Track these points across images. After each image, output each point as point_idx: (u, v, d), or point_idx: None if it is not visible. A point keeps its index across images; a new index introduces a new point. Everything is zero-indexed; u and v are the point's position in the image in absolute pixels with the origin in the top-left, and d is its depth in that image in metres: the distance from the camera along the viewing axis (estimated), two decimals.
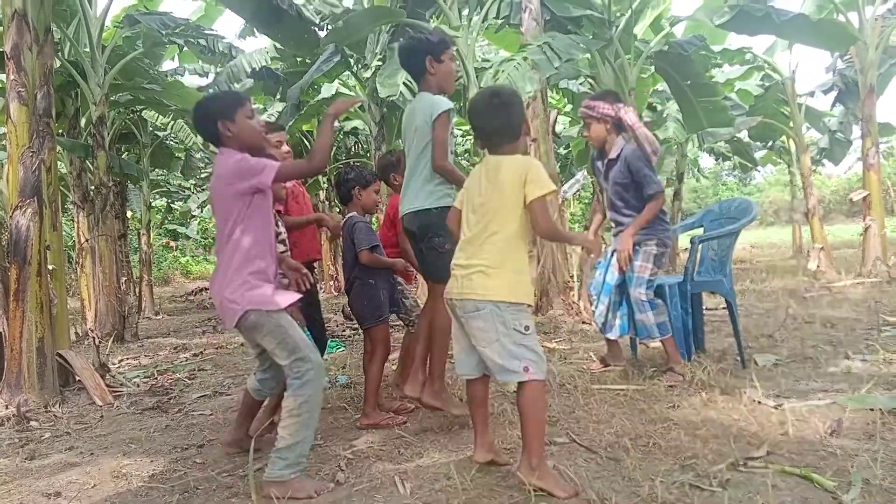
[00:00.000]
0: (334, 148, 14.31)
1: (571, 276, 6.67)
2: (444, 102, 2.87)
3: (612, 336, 3.98)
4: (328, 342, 4.60)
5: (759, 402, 3.04)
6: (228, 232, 2.41)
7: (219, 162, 2.47)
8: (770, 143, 13.85)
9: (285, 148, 3.27)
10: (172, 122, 11.34)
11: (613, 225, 4.00)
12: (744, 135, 12.34)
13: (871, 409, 2.78)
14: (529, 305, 2.30)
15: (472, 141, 14.56)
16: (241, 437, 2.88)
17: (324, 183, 14.19)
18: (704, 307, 4.54)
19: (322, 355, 3.72)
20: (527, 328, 2.21)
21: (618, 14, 7.32)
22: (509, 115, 2.32)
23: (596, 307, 4.03)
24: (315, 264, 3.77)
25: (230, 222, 2.41)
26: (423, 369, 2.97)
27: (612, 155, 3.81)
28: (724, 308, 5.86)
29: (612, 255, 3.95)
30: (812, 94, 11.04)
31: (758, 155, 15.26)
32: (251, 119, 2.49)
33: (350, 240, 3.34)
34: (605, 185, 3.94)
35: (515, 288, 2.23)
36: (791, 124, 10.81)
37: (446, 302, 2.37)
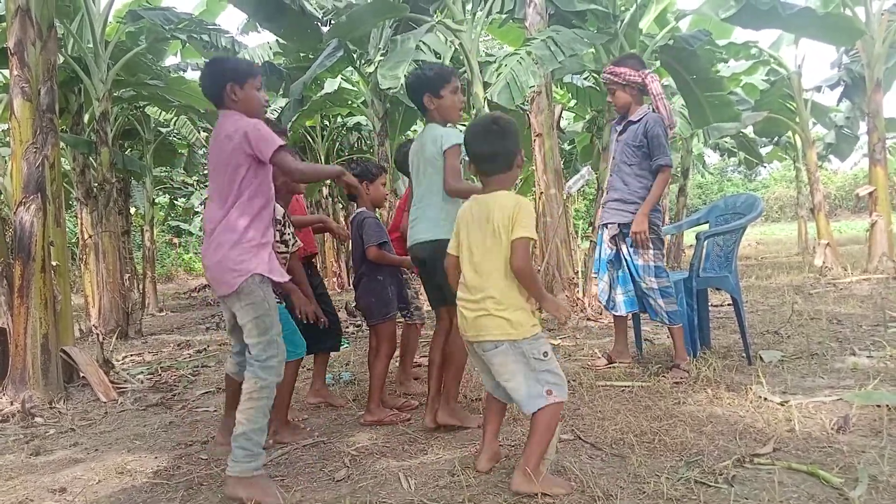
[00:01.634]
0: (336, 144, 14.31)
1: (576, 273, 6.65)
2: (455, 135, 2.86)
3: (617, 313, 3.96)
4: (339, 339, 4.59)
5: (765, 399, 3.02)
6: (236, 193, 2.37)
7: (225, 122, 2.44)
8: (776, 139, 13.78)
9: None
10: (175, 119, 11.35)
11: (607, 193, 4.00)
12: (749, 130, 12.28)
13: (878, 406, 2.77)
14: (542, 330, 2.30)
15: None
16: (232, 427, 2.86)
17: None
18: (710, 304, 4.52)
19: (338, 348, 3.74)
20: (545, 354, 2.22)
21: (623, 8, 7.28)
22: (505, 142, 2.33)
23: (618, 301, 4.01)
24: (315, 259, 3.78)
25: (237, 183, 2.37)
26: (438, 398, 2.96)
27: (634, 118, 3.80)
28: (729, 304, 5.84)
29: (602, 230, 3.98)
30: (818, 88, 10.96)
31: (763, 151, 15.18)
32: (258, 91, 2.51)
33: (359, 235, 3.34)
34: (615, 146, 3.94)
35: (526, 321, 2.22)
36: (797, 119, 10.75)
37: (462, 337, 2.38)
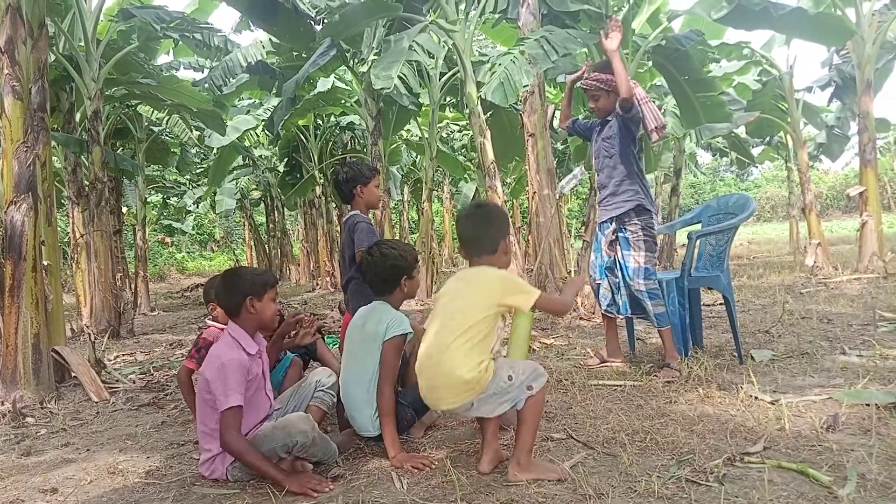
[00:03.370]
0: (329, 143, 14.28)
1: (569, 272, 6.67)
2: (405, 324, 2.76)
3: (620, 315, 3.96)
4: (325, 338, 4.59)
5: (756, 398, 3.04)
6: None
7: (220, 345, 2.58)
8: (767, 139, 13.85)
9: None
10: (168, 118, 11.30)
11: (599, 194, 4.03)
12: (741, 130, 12.34)
13: (867, 405, 2.79)
14: (494, 359, 2.33)
15: (471, 137, 14.49)
16: None
17: (320, 179, 14.15)
18: (702, 303, 4.54)
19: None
20: (510, 377, 2.28)
21: (615, 8, 7.30)
22: (489, 226, 2.40)
23: (598, 291, 4.04)
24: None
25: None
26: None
27: (610, 118, 3.86)
28: (721, 304, 5.88)
29: (600, 230, 3.99)
30: (810, 89, 11.03)
31: (755, 151, 15.26)
32: (274, 301, 2.64)
33: (350, 238, 3.33)
34: (596, 149, 3.98)
35: (483, 374, 2.24)
36: (788, 120, 10.81)
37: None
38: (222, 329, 3.13)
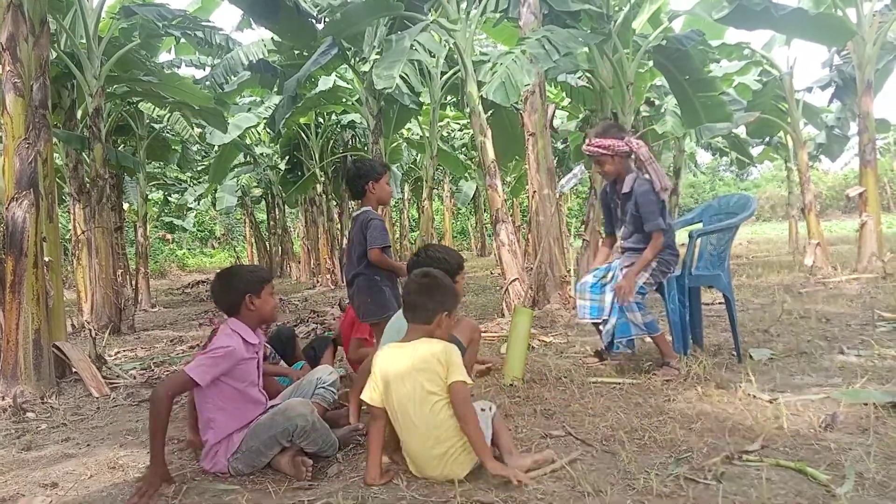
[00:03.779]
0: (331, 142, 14.29)
1: (568, 271, 6.68)
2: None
3: (608, 349, 3.87)
4: (324, 335, 4.61)
5: (754, 396, 3.05)
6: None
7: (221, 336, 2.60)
8: (767, 139, 13.85)
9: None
10: (169, 115, 11.31)
11: (621, 244, 3.99)
12: (741, 130, 12.35)
13: (865, 404, 2.79)
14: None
15: (471, 136, 14.49)
16: None
17: (320, 177, 14.16)
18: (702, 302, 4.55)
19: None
20: (482, 409, 2.33)
21: (616, 8, 7.31)
22: (429, 299, 2.37)
23: (581, 310, 3.95)
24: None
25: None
26: None
27: (626, 189, 3.80)
28: (720, 303, 5.88)
29: (619, 262, 3.93)
30: (810, 89, 11.02)
31: (755, 151, 15.27)
32: (272, 296, 2.69)
33: (362, 234, 3.33)
34: (619, 216, 3.94)
35: (466, 457, 2.25)
36: (788, 120, 10.81)
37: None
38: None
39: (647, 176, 3.75)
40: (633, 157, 3.78)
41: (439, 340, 2.33)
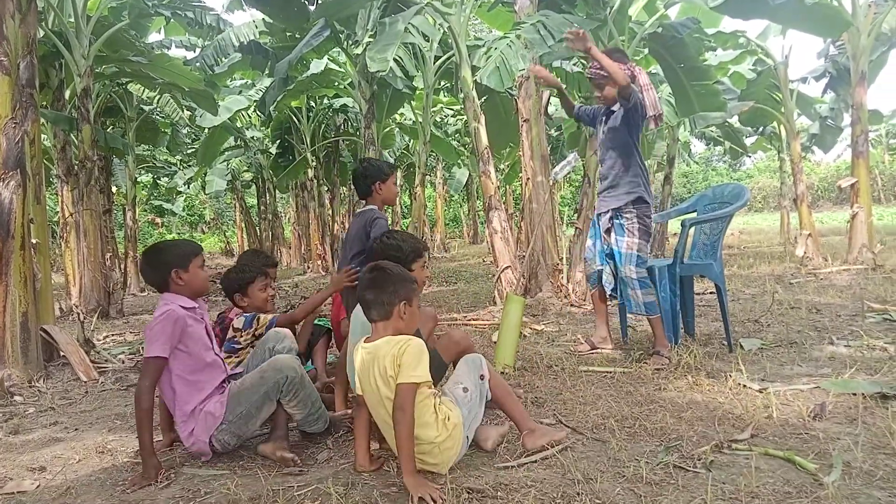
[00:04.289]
0: (322, 126, 14.18)
1: (561, 259, 6.68)
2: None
3: (619, 299, 3.99)
4: (315, 321, 4.59)
5: (745, 386, 3.06)
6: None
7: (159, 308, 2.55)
8: (761, 129, 13.87)
9: (270, 291, 3.32)
10: (158, 96, 11.19)
11: (600, 184, 4.02)
12: (735, 120, 12.35)
13: (854, 394, 2.82)
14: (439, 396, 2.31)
15: (465, 122, 14.39)
16: None
17: (312, 161, 14.06)
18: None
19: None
20: (465, 389, 2.37)
21: None
22: (380, 293, 2.26)
23: (592, 276, 4.06)
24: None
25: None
26: None
27: (616, 107, 3.85)
28: (711, 292, 5.91)
29: (598, 219, 4.01)
30: (804, 80, 11.02)
31: (748, 141, 15.29)
32: (202, 268, 2.63)
33: (365, 231, 3.30)
34: (600, 135, 4.00)
35: (439, 454, 2.21)
36: (782, 110, 10.81)
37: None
38: (243, 310, 3.23)
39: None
40: (633, 82, 3.77)
41: (402, 337, 2.22)
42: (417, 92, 10.73)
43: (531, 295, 6.38)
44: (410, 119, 14.03)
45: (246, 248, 20.09)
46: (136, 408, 2.38)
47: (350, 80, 10.30)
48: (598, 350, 4.04)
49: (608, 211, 3.91)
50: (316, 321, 3.73)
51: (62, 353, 4.48)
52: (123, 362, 4.73)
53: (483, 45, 6.50)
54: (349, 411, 2.86)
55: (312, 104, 13.57)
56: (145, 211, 23.03)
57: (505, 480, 2.14)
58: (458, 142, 17.95)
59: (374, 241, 3.00)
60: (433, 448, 2.19)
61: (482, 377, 2.41)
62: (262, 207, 20.01)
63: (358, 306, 2.86)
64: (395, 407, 2.12)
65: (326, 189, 15.35)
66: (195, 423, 2.50)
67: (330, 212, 15.42)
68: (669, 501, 1.94)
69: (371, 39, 7.54)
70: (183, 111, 11.86)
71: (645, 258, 3.78)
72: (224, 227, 28.66)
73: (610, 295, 4.06)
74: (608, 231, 3.92)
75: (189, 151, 16.09)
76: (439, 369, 2.61)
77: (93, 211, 7.79)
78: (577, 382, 3.31)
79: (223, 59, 9.09)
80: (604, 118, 4.01)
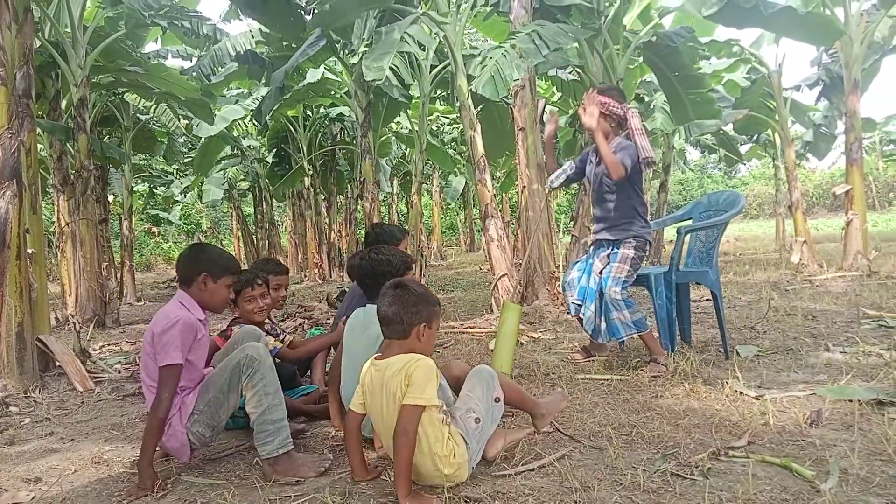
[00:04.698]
0: (319, 135, 14.20)
1: (557, 267, 6.69)
2: None
3: (602, 341, 3.84)
4: (313, 329, 4.59)
5: (741, 393, 3.07)
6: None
7: (169, 306, 2.56)
8: (755, 137, 13.92)
9: (264, 301, 3.31)
10: (155, 106, 11.19)
11: (594, 223, 3.98)
12: (729, 128, 12.41)
13: (850, 401, 2.82)
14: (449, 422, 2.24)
15: (461, 131, 14.44)
16: None
17: (308, 170, 14.07)
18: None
19: None
20: (477, 420, 2.28)
21: (607, 4, 7.30)
22: (402, 310, 2.23)
23: (571, 307, 3.96)
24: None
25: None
26: None
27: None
28: (707, 300, 5.92)
29: (593, 252, 3.92)
30: (798, 87, 11.09)
31: (743, 148, 15.35)
32: (227, 288, 2.66)
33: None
34: (592, 178, 3.92)
35: (443, 464, 2.16)
36: (776, 118, 10.87)
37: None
38: (237, 318, 3.25)
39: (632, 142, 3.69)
40: (625, 124, 3.73)
41: (413, 356, 2.18)
42: (414, 101, 10.76)
43: (528, 303, 6.38)
44: (407, 128, 14.05)
45: (243, 257, 20.04)
46: (152, 416, 2.38)
47: (346, 89, 10.33)
48: (595, 357, 4.04)
49: (608, 244, 3.83)
50: (312, 330, 3.73)
51: (58, 363, 4.46)
52: (120, 372, 4.72)
53: (479, 55, 6.52)
54: (302, 426, 2.95)
55: (309, 113, 13.59)
56: (142, 220, 22.98)
57: (502, 489, 2.14)
58: (455, 150, 17.97)
59: (358, 257, 2.96)
60: (436, 478, 2.17)
61: (497, 399, 2.34)
62: (259, 216, 19.97)
63: (356, 311, 2.87)
64: (397, 429, 2.07)
65: (323, 198, 15.34)
66: (173, 419, 2.50)
67: (326, 220, 15.40)
68: None
69: (367, 49, 7.58)
70: (179, 121, 11.86)
71: (628, 283, 3.71)
72: (221, 236, 28.61)
73: (591, 336, 3.88)
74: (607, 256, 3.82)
75: (185, 161, 16.08)
76: None
77: (89, 220, 7.77)
78: (573, 390, 3.31)
79: (220, 68, 9.12)
80: (594, 158, 3.89)
